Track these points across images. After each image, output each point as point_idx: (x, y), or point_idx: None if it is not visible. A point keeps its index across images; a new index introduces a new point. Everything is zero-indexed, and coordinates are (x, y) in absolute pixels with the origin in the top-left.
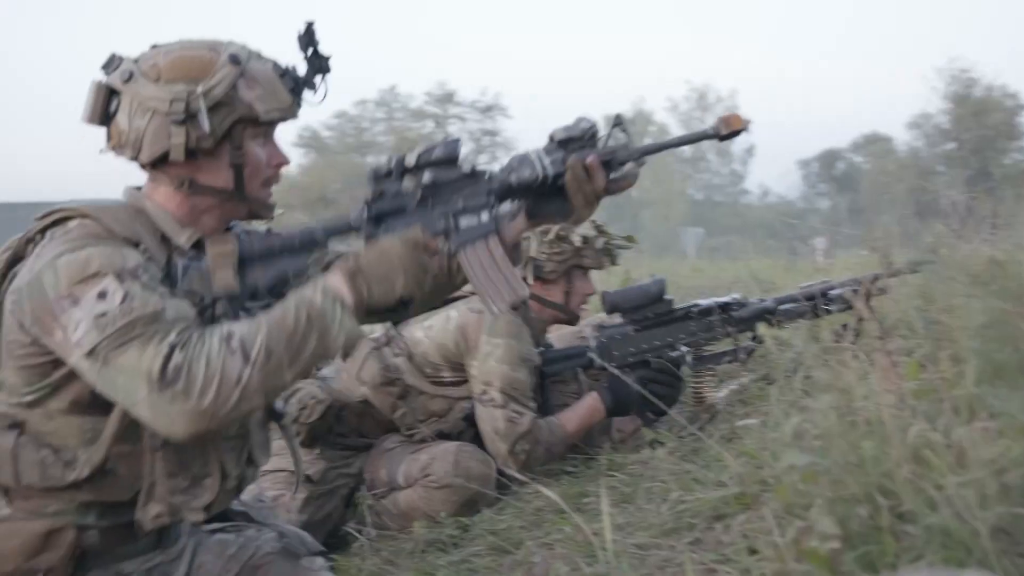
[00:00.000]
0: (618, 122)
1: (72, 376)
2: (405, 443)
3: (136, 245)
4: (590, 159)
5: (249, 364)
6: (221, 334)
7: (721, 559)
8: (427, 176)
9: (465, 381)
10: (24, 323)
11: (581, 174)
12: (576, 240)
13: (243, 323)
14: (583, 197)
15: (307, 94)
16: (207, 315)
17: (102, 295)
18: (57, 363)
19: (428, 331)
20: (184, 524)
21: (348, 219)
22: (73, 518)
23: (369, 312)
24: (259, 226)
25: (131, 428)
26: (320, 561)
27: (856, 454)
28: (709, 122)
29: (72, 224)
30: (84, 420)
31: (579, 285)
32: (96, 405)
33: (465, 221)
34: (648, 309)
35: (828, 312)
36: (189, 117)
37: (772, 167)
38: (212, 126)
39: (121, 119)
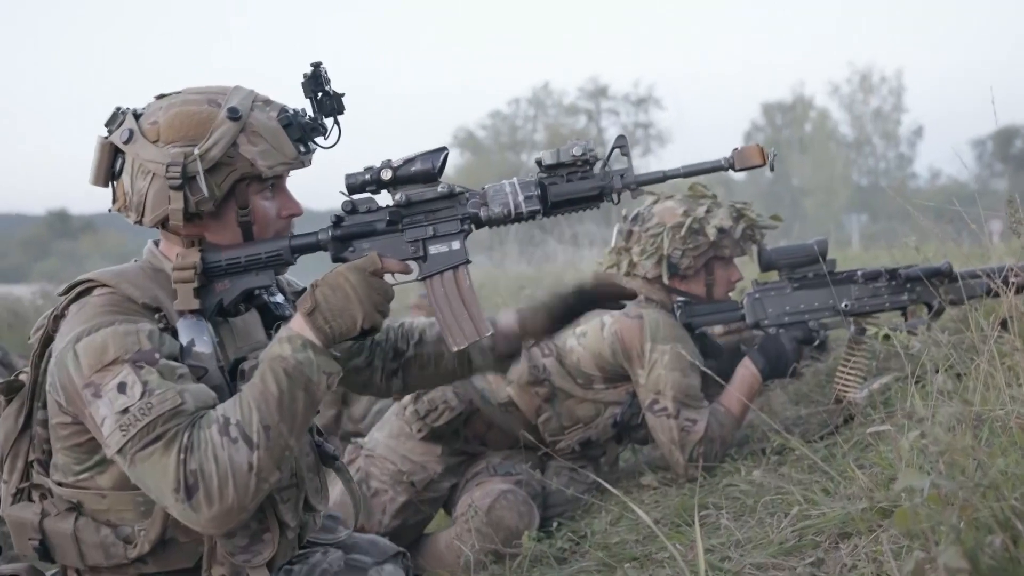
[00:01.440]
0: (620, 143)
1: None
2: (484, 472)
3: (155, 311)
4: (530, 209)
5: (255, 448)
6: (219, 424)
7: None
8: (400, 195)
9: (615, 387)
10: (62, 404)
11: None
12: (711, 233)
13: (232, 405)
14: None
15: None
16: (238, 372)
17: (121, 388)
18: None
19: (581, 339)
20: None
21: (316, 237)
22: None
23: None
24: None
25: None
26: (389, 568)
27: (989, 474)
28: (873, 104)
29: (92, 296)
30: (134, 494)
31: (721, 274)
32: None
33: (435, 248)
34: (808, 268)
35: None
36: (187, 180)
37: (944, 148)
38: (211, 187)
39: (125, 180)
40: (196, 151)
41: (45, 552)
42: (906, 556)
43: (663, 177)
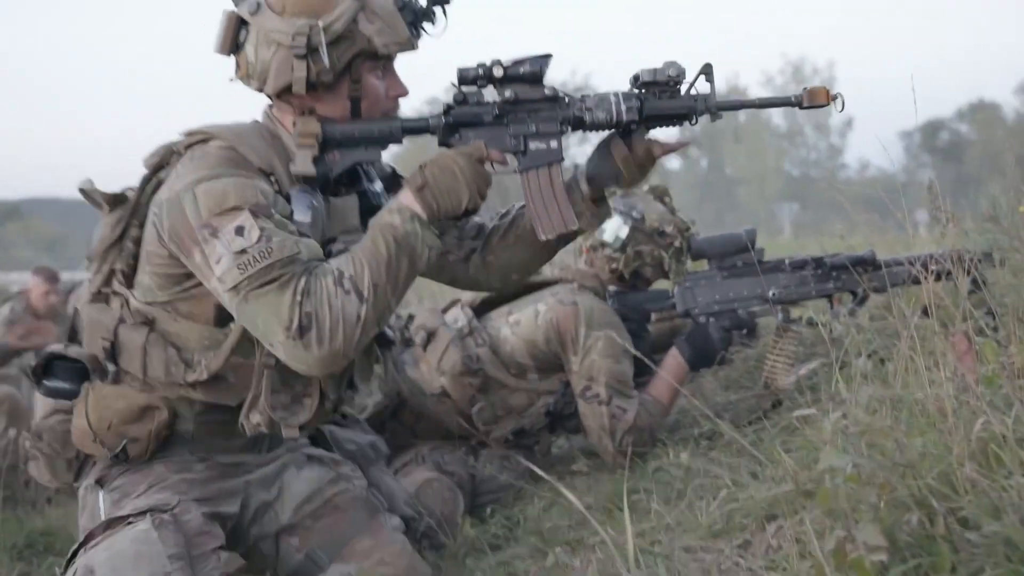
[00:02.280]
0: (706, 70)
1: (198, 290)
2: (412, 462)
3: (269, 175)
4: (657, 149)
5: (364, 302)
6: (335, 276)
7: (771, 565)
8: (509, 92)
9: (548, 377)
10: (163, 237)
11: (638, 151)
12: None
13: (345, 260)
14: (636, 164)
15: (428, 26)
16: (326, 251)
17: (239, 230)
18: (189, 275)
19: (515, 327)
20: (285, 440)
21: (427, 121)
22: (174, 405)
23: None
24: None
25: (247, 343)
26: (397, 521)
27: (907, 454)
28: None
29: (212, 147)
30: (205, 328)
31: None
32: (219, 319)
33: (534, 145)
34: (736, 257)
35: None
36: (311, 51)
37: (872, 139)
38: (332, 60)
39: (248, 50)
40: (320, 24)
41: (112, 354)
42: (828, 536)
43: (740, 105)
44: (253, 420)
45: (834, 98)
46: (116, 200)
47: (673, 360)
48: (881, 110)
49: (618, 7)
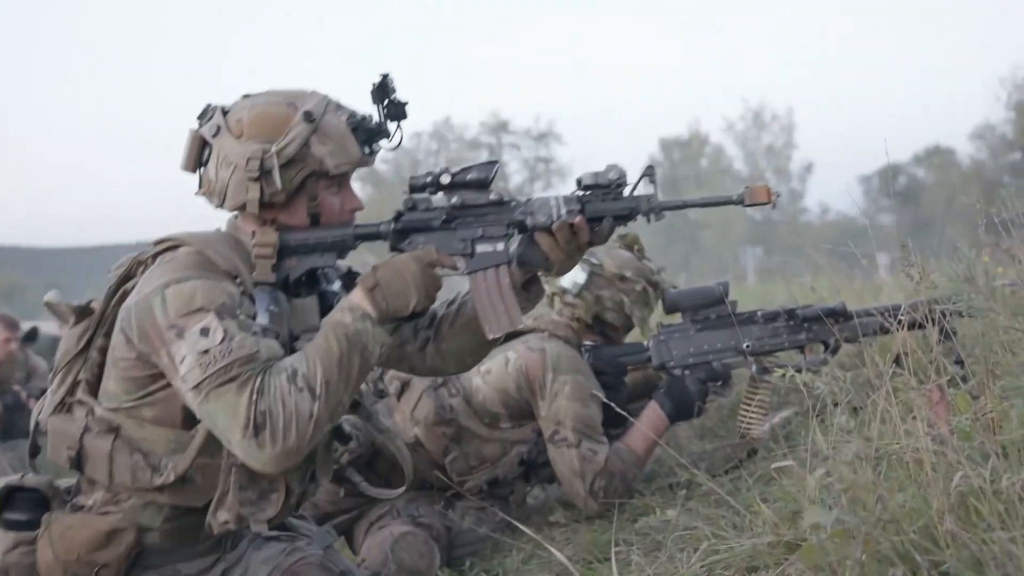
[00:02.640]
0: (648, 172)
1: (165, 392)
2: (386, 516)
3: (234, 278)
4: (577, 220)
5: (317, 398)
6: (288, 374)
7: None
8: (456, 198)
9: (521, 425)
10: (132, 339)
11: (567, 233)
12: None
13: (299, 358)
14: (564, 253)
15: (384, 141)
16: (291, 349)
17: (204, 331)
18: (155, 377)
19: (486, 376)
20: (246, 532)
21: (378, 227)
22: (138, 520)
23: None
24: None
25: (213, 443)
26: None
27: (889, 508)
28: (765, 141)
29: (180, 252)
30: (172, 432)
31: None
32: (185, 421)
33: (481, 247)
34: (710, 310)
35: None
36: (264, 174)
37: (832, 184)
38: (285, 181)
39: (210, 169)
40: (273, 148)
41: (78, 463)
42: None
43: (683, 205)
44: (220, 518)
45: (777, 195)
46: (82, 312)
47: (653, 413)
48: (840, 156)
49: (581, 49)
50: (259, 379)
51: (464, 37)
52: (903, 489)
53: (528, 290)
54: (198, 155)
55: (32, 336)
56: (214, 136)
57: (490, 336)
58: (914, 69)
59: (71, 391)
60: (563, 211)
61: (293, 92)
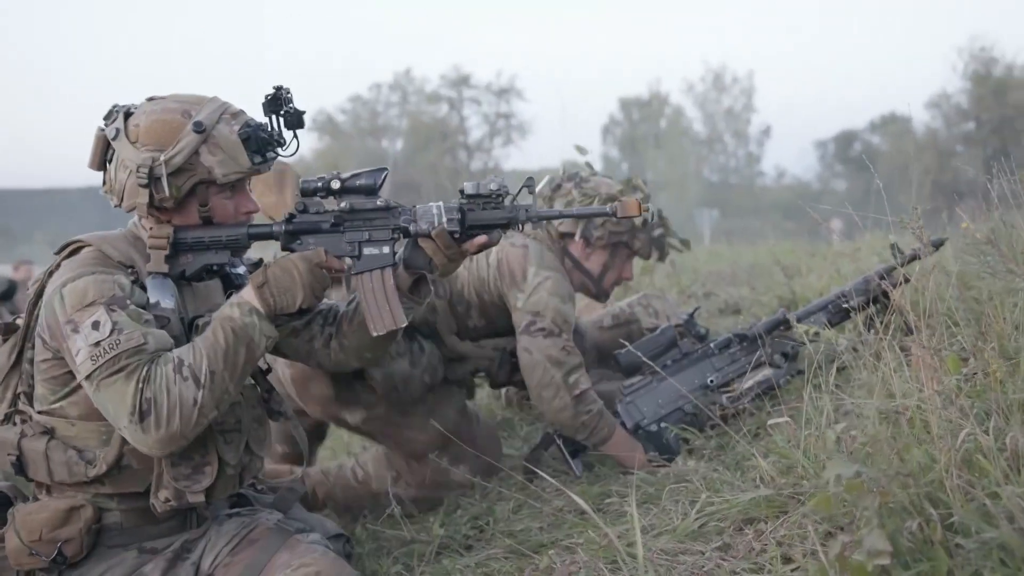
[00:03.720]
0: (528, 184)
1: (84, 390)
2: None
3: (128, 268)
4: (450, 229)
5: (200, 387)
6: (174, 364)
7: (754, 568)
8: (345, 202)
9: (488, 334)
10: (45, 340)
11: (447, 239)
12: (638, 219)
13: (186, 350)
14: (445, 257)
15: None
16: (193, 327)
17: (95, 325)
18: (72, 374)
19: (468, 264)
20: (210, 510)
21: (271, 228)
22: (94, 500)
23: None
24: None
25: None
26: (314, 535)
27: (904, 462)
28: (725, 103)
29: (80, 253)
30: (101, 425)
31: (620, 265)
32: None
33: (368, 250)
34: (664, 357)
35: (847, 318)
36: (153, 180)
37: (789, 148)
38: (172, 188)
39: (111, 170)
40: (162, 157)
41: (20, 467)
42: (826, 539)
43: (559, 215)
44: (161, 497)
45: (646, 210)
46: (8, 329)
47: (636, 447)
48: (798, 121)
49: (544, 10)
50: (146, 368)
51: None
52: (918, 445)
53: (416, 291)
54: (102, 154)
55: (10, 293)
56: (114, 139)
57: (374, 334)
58: (873, 37)
59: (12, 404)
60: (444, 219)
61: (191, 99)
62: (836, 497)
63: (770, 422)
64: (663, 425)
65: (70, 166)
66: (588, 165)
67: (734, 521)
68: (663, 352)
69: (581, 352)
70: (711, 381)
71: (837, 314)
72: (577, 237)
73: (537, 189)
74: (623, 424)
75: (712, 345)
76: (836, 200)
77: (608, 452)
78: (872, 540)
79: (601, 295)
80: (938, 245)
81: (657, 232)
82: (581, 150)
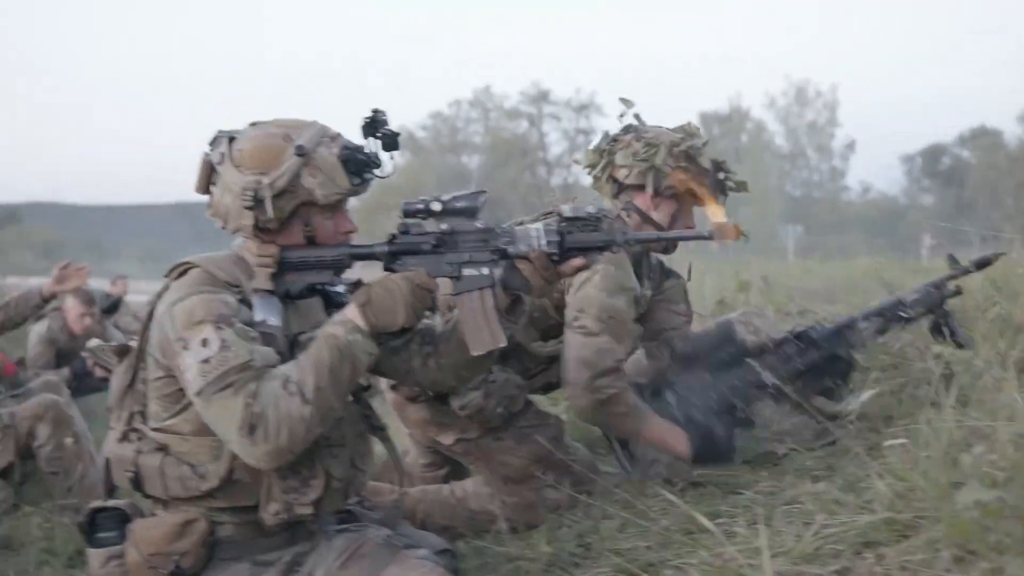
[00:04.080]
0: (625, 208)
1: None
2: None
3: (234, 287)
4: (548, 251)
5: (307, 403)
6: (281, 380)
7: None
8: (446, 224)
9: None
10: (157, 359)
11: (545, 261)
12: (705, 162)
13: (292, 367)
14: (542, 278)
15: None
16: (294, 345)
17: (204, 342)
18: (183, 392)
19: None
20: (317, 523)
21: (373, 249)
22: (207, 514)
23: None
24: None
25: None
26: (423, 551)
27: None
28: (808, 117)
29: (188, 273)
30: (209, 440)
31: (687, 212)
32: None
33: (468, 271)
34: (721, 351)
35: (908, 321)
36: (257, 203)
37: (874, 163)
38: (276, 210)
39: (216, 192)
40: (266, 180)
41: (137, 483)
42: (955, 565)
43: (657, 238)
44: (271, 510)
45: (742, 234)
46: (123, 351)
47: (680, 438)
48: (883, 134)
49: (623, 27)
50: (253, 384)
51: (509, 6)
52: None
53: (513, 312)
54: (207, 178)
55: (114, 308)
56: (219, 164)
57: (474, 353)
58: (961, 48)
59: (128, 422)
60: (543, 241)
61: (291, 123)
62: (972, 522)
63: (886, 443)
64: (714, 419)
65: (161, 184)
66: (636, 117)
67: (851, 544)
68: (721, 345)
69: (662, 357)
70: (765, 376)
71: (891, 321)
72: (648, 188)
73: (593, 145)
74: (674, 416)
75: (769, 343)
76: (926, 215)
77: (645, 442)
78: (1016, 567)
79: (668, 250)
80: (982, 265)
81: (721, 175)
82: (627, 102)
